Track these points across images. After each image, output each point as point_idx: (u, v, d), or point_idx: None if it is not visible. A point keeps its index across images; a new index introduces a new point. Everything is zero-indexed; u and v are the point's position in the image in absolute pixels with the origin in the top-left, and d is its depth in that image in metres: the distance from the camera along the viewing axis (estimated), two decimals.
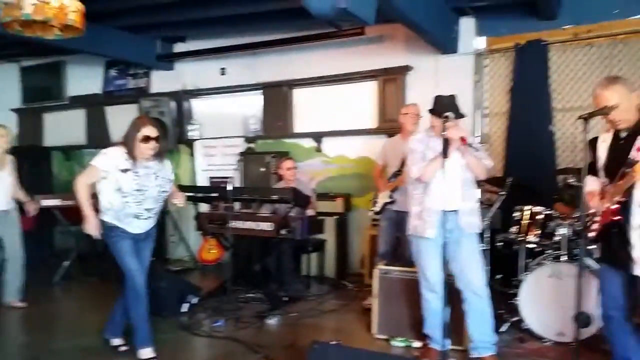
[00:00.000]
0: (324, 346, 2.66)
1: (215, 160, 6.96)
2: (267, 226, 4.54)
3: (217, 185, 5.83)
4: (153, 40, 6.98)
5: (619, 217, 2.59)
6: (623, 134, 2.65)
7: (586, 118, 2.62)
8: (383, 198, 4.58)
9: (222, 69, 6.98)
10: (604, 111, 2.58)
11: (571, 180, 3.89)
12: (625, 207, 2.56)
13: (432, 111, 3.33)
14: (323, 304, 4.88)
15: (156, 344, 3.56)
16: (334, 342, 2.89)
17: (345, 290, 5.42)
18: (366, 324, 4.08)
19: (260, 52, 6.59)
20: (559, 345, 3.62)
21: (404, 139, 4.57)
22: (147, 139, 3.33)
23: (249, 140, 6.81)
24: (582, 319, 3.53)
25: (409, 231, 3.41)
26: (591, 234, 2.78)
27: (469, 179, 3.29)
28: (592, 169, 2.82)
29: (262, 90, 6.68)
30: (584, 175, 2.75)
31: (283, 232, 4.47)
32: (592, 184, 2.83)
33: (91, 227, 3.37)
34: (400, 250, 4.60)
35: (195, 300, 4.66)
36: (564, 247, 3.79)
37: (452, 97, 3.31)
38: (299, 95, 6.57)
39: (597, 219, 2.71)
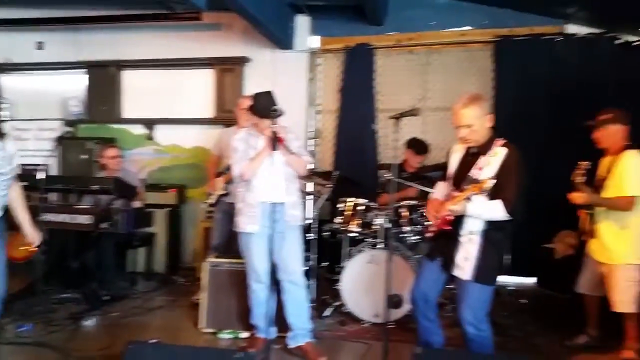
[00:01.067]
0: (140, 346, 2.51)
1: (28, 144, 6.20)
2: (84, 219, 4.17)
3: (28, 173, 5.17)
4: None
5: (449, 228, 2.82)
6: (473, 150, 2.84)
7: (397, 118, 2.83)
8: (218, 190, 4.50)
9: (39, 42, 6.27)
10: (412, 113, 2.82)
11: (388, 175, 4.23)
12: (457, 218, 2.79)
13: (252, 109, 3.35)
14: (150, 301, 4.64)
15: None
16: (153, 341, 2.75)
17: (175, 285, 5.22)
18: (195, 319, 3.96)
19: (84, 27, 6.04)
20: (376, 326, 3.90)
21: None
22: None
23: (68, 123, 6.20)
24: (393, 301, 3.89)
25: (236, 226, 3.42)
26: (428, 235, 3.02)
27: (290, 174, 3.39)
28: (445, 176, 3.04)
29: (85, 70, 6.13)
30: (393, 171, 2.96)
31: (104, 225, 4.15)
32: (438, 190, 3.08)
33: None
34: (234, 243, 4.58)
35: None
36: (381, 235, 4.11)
37: (269, 94, 3.35)
38: (129, 78, 6.17)
39: (437, 222, 2.90)
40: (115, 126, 6.16)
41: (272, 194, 3.31)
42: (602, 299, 3.47)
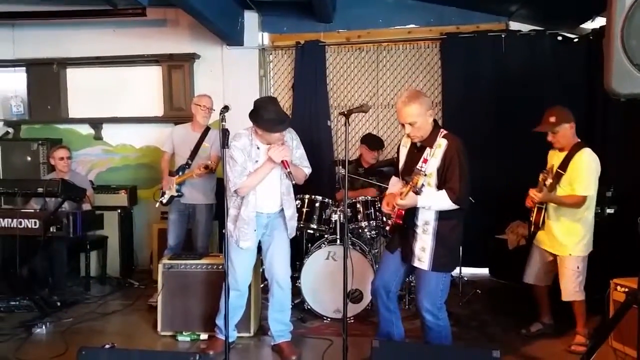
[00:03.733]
0: (93, 351, 2.44)
1: None
2: (32, 223, 4.02)
3: None
4: None
5: (400, 222, 2.92)
6: (419, 144, 2.93)
7: (346, 115, 2.86)
8: (170, 191, 4.42)
9: None
10: (362, 109, 2.85)
11: (342, 171, 4.28)
12: (411, 210, 2.87)
13: (255, 120, 3.16)
14: (104, 306, 4.52)
15: None
16: (107, 346, 2.68)
17: (131, 289, 5.10)
18: (153, 322, 3.90)
19: (21, 23, 5.77)
20: (337, 322, 3.93)
21: (194, 129, 4.48)
22: None
23: (9, 124, 5.92)
24: (353, 296, 3.96)
25: (226, 232, 3.23)
26: (387, 227, 3.11)
27: (288, 185, 3.37)
28: (397, 170, 3.13)
29: (25, 68, 5.86)
30: (344, 166, 2.99)
31: (52, 229, 4.00)
32: (392, 185, 3.16)
33: None
34: (191, 243, 4.53)
35: None
36: (338, 231, 4.16)
37: (275, 104, 3.24)
38: (74, 76, 5.95)
39: (392, 216, 2.99)
40: (61, 126, 5.95)
41: (269, 206, 3.32)
42: (551, 288, 3.64)
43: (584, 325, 3.49)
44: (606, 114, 4.51)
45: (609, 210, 3.75)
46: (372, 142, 4.80)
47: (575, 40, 5.00)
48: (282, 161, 3.15)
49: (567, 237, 3.43)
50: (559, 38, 5.04)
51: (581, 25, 4.95)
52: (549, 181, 3.38)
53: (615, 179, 3.88)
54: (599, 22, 4.55)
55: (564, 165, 3.41)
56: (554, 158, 3.54)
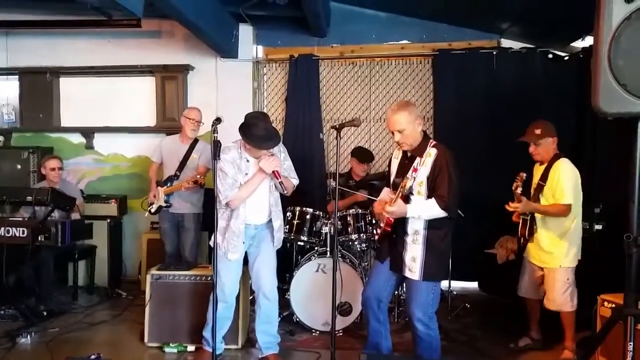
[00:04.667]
0: None
1: None
2: (20, 232, 3.99)
3: None
4: None
5: (389, 229, 2.94)
6: (410, 154, 2.98)
7: (337, 128, 2.90)
8: (159, 201, 4.44)
9: None
10: (353, 123, 2.90)
11: (333, 183, 4.29)
12: (400, 219, 2.89)
13: (245, 134, 3.16)
14: (92, 316, 4.48)
15: None
16: (93, 356, 2.65)
17: (119, 299, 5.06)
18: (140, 333, 3.87)
19: (16, 32, 5.77)
20: (325, 335, 3.92)
21: (183, 141, 4.52)
22: None
23: (0, 132, 5.90)
24: (342, 309, 3.95)
25: (214, 244, 3.18)
26: (376, 236, 3.13)
27: (277, 197, 3.40)
28: (388, 182, 3.16)
29: (18, 76, 5.85)
30: (336, 179, 3.03)
31: (41, 238, 3.97)
32: (383, 195, 3.17)
33: None
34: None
35: None
36: (329, 243, 4.15)
37: (266, 118, 3.26)
38: (67, 85, 5.96)
39: (382, 224, 3.03)
40: (53, 135, 5.93)
41: (257, 218, 3.33)
42: (542, 302, 3.63)
43: (573, 338, 3.50)
44: (595, 131, 4.56)
45: (598, 227, 3.78)
46: (361, 155, 4.82)
47: (566, 58, 5.08)
48: (274, 171, 3.17)
49: (555, 248, 3.45)
50: (550, 56, 5.12)
51: (572, 44, 5.04)
52: (519, 189, 3.37)
53: (604, 195, 3.92)
54: (589, 41, 4.63)
55: (544, 177, 3.45)
56: (536, 173, 3.60)
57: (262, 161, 3.18)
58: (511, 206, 3.39)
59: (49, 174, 4.81)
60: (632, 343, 2.17)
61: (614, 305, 3.12)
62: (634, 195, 2.18)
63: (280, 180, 3.18)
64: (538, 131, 3.47)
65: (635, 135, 2.17)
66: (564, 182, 3.36)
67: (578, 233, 3.48)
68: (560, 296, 3.43)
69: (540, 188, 3.47)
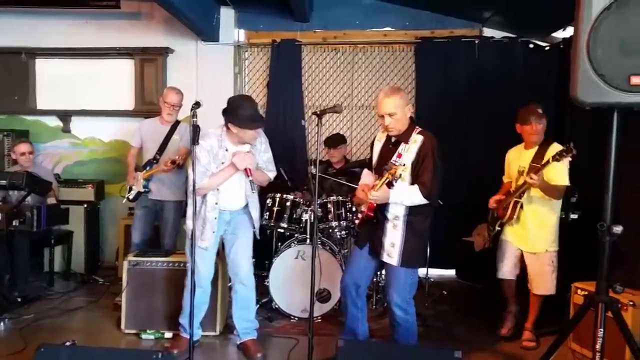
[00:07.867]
0: (53, 349, 2.37)
1: None
2: None
3: None
4: None
5: (372, 215, 2.94)
6: (394, 139, 2.99)
7: (319, 115, 2.87)
8: (137, 187, 4.32)
9: None
10: (335, 110, 2.88)
11: (313, 170, 4.27)
12: (382, 204, 2.90)
13: (229, 116, 3.12)
14: (68, 302, 4.42)
15: None
16: (68, 343, 2.61)
17: (95, 285, 4.99)
18: (116, 319, 3.83)
19: None
20: (304, 321, 3.91)
21: (163, 123, 4.40)
22: None
23: None
24: (320, 296, 3.96)
25: (187, 229, 3.22)
26: (357, 221, 3.15)
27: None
28: (370, 165, 3.16)
29: None
30: (315, 166, 3.02)
31: (15, 223, 3.88)
32: (364, 179, 3.18)
33: None
34: (158, 240, 4.44)
35: None
36: (308, 230, 4.15)
37: (251, 101, 3.24)
38: (43, 67, 5.79)
39: (363, 209, 3.04)
40: (28, 117, 5.79)
41: (232, 203, 3.30)
42: (518, 282, 3.70)
43: (533, 321, 3.58)
44: (574, 121, 4.61)
45: (573, 216, 3.82)
46: (329, 141, 4.80)
47: (546, 48, 5.10)
48: (245, 169, 3.14)
49: (542, 232, 3.51)
50: (531, 46, 5.13)
51: (552, 34, 5.06)
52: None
53: (580, 185, 3.97)
54: (570, 31, 4.65)
55: (538, 158, 3.42)
56: (520, 158, 3.59)
57: (236, 157, 3.15)
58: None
59: (19, 158, 4.71)
60: (602, 329, 2.22)
61: (586, 293, 3.18)
62: (608, 186, 2.21)
63: (250, 178, 3.15)
64: (540, 110, 3.51)
65: (611, 125, 2.19)
66: (563, 164, 3.37)
67: (558, 218, 3.56)
68: (548, 280, 3.50)
69: (534, 170, 3.33)
